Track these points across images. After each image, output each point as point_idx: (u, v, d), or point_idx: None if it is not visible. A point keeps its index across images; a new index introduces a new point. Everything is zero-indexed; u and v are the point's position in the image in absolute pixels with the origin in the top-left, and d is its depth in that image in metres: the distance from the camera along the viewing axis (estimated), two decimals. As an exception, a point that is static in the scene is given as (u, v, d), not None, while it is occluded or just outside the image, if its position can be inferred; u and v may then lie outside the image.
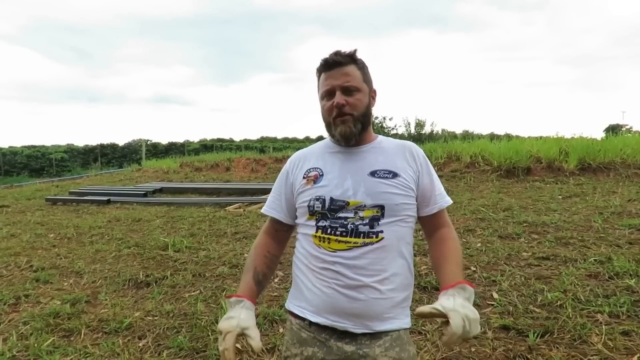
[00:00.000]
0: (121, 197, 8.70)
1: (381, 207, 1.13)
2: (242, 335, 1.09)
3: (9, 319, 2.92)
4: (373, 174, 1.17)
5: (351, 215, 1.13)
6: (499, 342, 2.33)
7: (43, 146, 28.88)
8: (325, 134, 1.28)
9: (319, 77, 1.22)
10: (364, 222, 1.13)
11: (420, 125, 17.38)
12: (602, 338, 2.27)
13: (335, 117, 1.17)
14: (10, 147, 27.65)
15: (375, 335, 1.12)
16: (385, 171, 1.17)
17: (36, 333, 2.66)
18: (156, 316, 2.89)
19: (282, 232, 1.32)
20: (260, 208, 3.69)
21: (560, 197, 6.38)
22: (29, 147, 27.79)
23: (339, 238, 1.13)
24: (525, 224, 4.77)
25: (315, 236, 1.17)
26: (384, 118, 17.78)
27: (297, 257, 1.25)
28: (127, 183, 11.98)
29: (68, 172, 22.51)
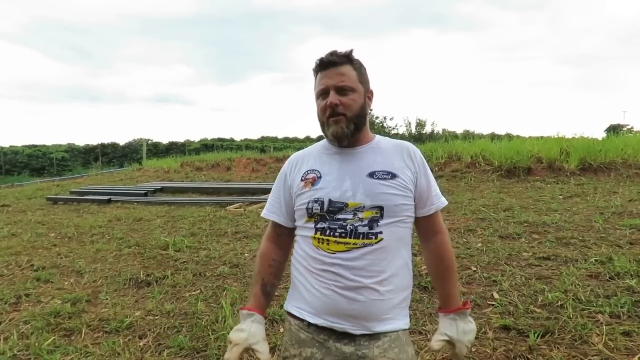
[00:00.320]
0: (122, 196, 8.70)
1: (380, 208, 1.13)
2: (249, 349, 1.14)
3: (10, 318, 2.92)
4: (372, 175, 1.16)
5: (350, 216, 1.13)
6: (499, 342, 2.33)
7: (44, 145, 28.93)
8: (324, 134, 1.28)
9: (315, 76, 1.21)
10: (363, 223, 1.12)
11: (420, 125, 17.42)
12: (602, 338, 2.27)
13: (328, 117, 1.16)
14: (11, 146, 27.68)
15: (374, 336, 1.12)
16: (383, 172, 1.17)
17: (37, 332, 2.66)
18: (157, 315, 2.90)
19: (285, 237, 1.31)
20: (261, 207, 3.68)
21: (561, 197, 6.37)
22: (29, 147, 27.84)
23: (338, 239, 1.13)
24: (525, 224, 4.76)
25: (314, 238, 1.16)
26: (385, 118, 17.85)
27: (295, 258, 1.25)
28: (128, 182, 11.97)
29: (69, 172, 22.54)
